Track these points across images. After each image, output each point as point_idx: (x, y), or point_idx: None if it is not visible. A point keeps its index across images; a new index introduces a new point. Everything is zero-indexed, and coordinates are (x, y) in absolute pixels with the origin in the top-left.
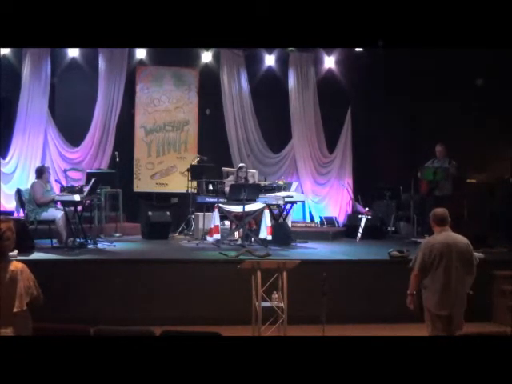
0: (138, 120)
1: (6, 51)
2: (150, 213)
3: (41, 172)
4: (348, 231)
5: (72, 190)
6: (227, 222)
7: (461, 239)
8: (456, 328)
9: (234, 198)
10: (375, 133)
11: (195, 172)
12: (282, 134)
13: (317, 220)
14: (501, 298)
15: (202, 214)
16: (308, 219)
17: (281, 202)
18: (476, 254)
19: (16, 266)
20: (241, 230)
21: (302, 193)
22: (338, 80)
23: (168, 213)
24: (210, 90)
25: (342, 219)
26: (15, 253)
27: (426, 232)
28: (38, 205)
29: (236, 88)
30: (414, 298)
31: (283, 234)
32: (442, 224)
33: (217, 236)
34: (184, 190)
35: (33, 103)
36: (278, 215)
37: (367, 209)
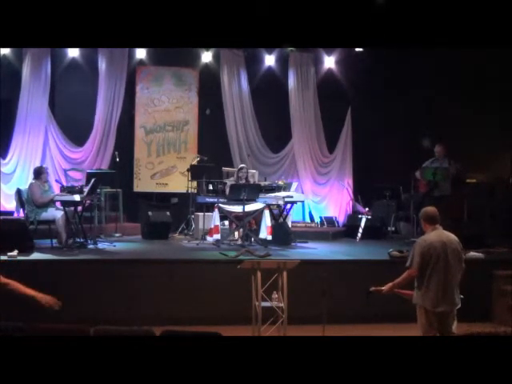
0: (138, 120)
1: (5, 51)
2: (149, 213)
3: (39, 173)
4: (348, 231)
5: (72, 190)
6: (227, 222)
7: (453, 237)
8: (450, 326)
9: (234, 198)
10: (375, 133)
11: (195, 172)
12: (282, 134)
13: (317, 220)
14: (501, 297)
15: (202, 214)
16: (308, 219)
17: (281, 202)
18: (476, 253)
19: None
20: (241, 229)
21: (302, 193)
22: (337, 80)
23: (168, 213)
24: (209, 90)
25: (342, 219)
26: (15, 253)
27: None
28: (37, 206)
29: (236, 88)
30: (392, 291)
31: (283, 234)
32: (434, 222)
33: (217, 236)
34: (184, 190)
35: (33, 103)
36: (278, 215)
37: (367, 209)
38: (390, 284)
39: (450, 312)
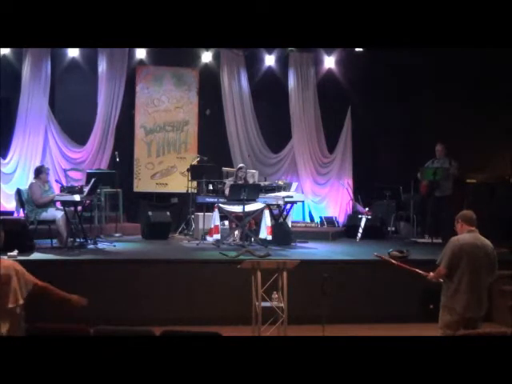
0: (138, 120)
1: (6, 51)
2: (150, 213)
3: (39, 172)
4: (348, 231)
5: (72, 190)
6: (227, 222)
7: (487, 242)
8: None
9: (234, 198)
10: (375, 133)
11: (195, 172)
12: (282, 134)
13: (317, 220)
14: (501, 298)
15: (202, 214)
16: (308, 219)
17: (281, 202)
18: None
19: (7, 262)
20: (241, 229)
21: (302, 193)
22: (338, 80)
23: (168, 213)
24: (210, 90)
25: (342, 219)
26: (15, 253)
27: (426, 232)
28: (37, 206)
29: (236, 88)
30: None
31: (283, 234)
32: (471, 224)
33: (217, 236)
34: (184, 190)
35: (33, 103)
36: (278, 215)
37: (367, 209)
38: (419, 271)
39: (479, 317)
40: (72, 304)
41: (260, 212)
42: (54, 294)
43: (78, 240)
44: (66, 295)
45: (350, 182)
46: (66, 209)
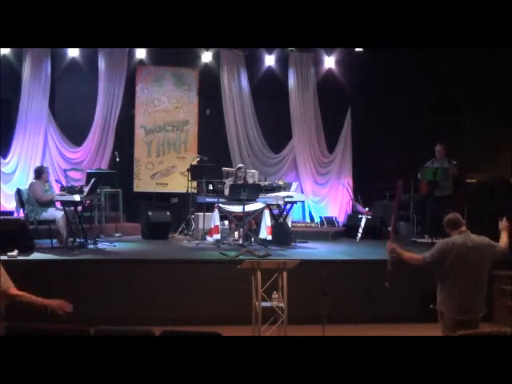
0: (138, 120)
1: (5, 51)
2: (149, 213)
3: (39, 172)
4: (348, 231)
5: (72, 190)
6: (227, 222)
7: (479, 241)
8: None
9: (234, 198)
10: (375, 133)
11: (195, 172)
12: (282, 134)
13: (317, 220)
14: (501, 298)
15: (202, 214)
16: (308, 219)
17: (281, 202)
18: None
19: None
20: (241, 229)
21: (302, 193)
22: (338, 80)
23: (168, 213)
24: (209, 90)
25: (342, 219)
26: (15, 253)
27: (426, 232)
28: (40, 203)
29: (236, 88)
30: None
31: (283, 234)
32: (456, 227)
33: (217, 236)
34: (184, 190)
35: (33, 103)
36: (278, 215)
37: (367, 209)
38: (406, 253)
39: (475, 320)
40: (54, 311)
41: (260, 212)
42: (30, 303)
43: (77, 240)
44: (44, 303)
45: (350, 181)
46: (66, 209)
